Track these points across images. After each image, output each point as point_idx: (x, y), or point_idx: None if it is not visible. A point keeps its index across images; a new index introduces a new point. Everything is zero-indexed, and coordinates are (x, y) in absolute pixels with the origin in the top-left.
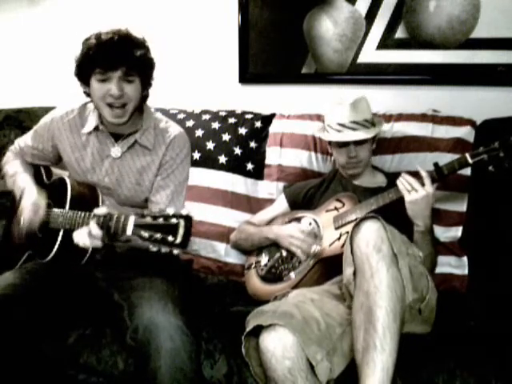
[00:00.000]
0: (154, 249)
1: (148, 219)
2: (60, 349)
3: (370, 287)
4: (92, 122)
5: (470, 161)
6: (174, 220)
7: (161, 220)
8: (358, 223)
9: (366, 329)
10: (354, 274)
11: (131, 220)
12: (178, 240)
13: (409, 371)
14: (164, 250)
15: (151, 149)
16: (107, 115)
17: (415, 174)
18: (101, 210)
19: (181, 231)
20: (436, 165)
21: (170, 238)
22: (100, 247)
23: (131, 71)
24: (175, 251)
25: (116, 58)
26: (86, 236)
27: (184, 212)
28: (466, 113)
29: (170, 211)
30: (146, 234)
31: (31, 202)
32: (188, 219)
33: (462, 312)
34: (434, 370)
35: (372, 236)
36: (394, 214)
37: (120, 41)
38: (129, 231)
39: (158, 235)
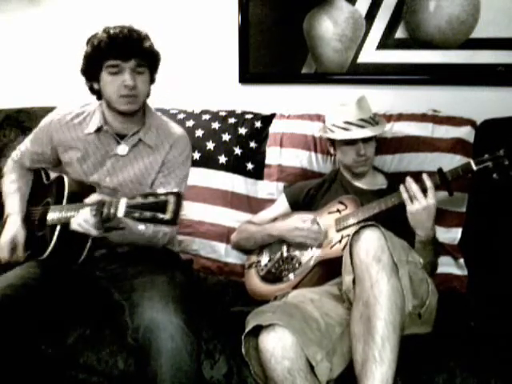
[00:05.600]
0: (145, 229)
1: (138, 199)
2: (60, 349)
3: (370, 298)
4: (95, 122)
5: (475, 168)
6: (163, 197)
7: (151, 198)
8: (358, 231)
9: (365, 340)
10: (354, 281)
11: (122, 202)
12: (168, 216)
13: (409, 371)
14: (155, 228)
15: (154, 148)
16: (120, 104)
17: (417, 176)
18: (91, 199)
19: (170, 207)
20: (440, 170)
21: (160, 215)
22: (95, 235)
23: (142, 62)
24: (166, 229)
25: (129, 48)
26: (82, 221)
27: (174, 190)
28: (465, 113)
29: (161, 190)
30: (136, 214)
31: (9, 237)
32: (177, 195)
33: (462, 312)
34: (434, 370)
35: (372, 245)
36: (396, 219)
37: (130, 33)
38: (120, 213)
39: (148, 213)
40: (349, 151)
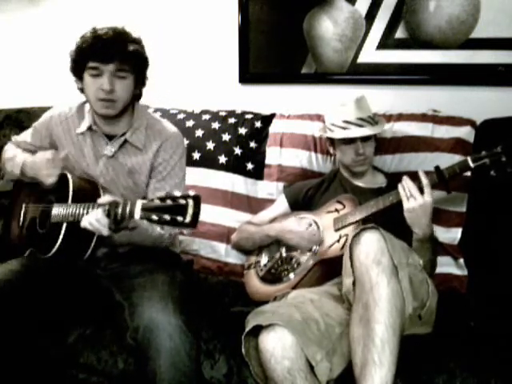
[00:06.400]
0: (162, 231)
1: (156, 202)
2: (60, 348)
3: (370, 300)
4: (86, 122)
5: (472, 165)
6: (182, 201)
7: (169, 202)
8: (358, 234)
9: (364, 343)
10: (354, 284)
11: (139, 204)
12: (188, 219)
13: (409, 371)
14: (173, 231)
15: (142, 149)
16: (98, 108)
17: (416, 176)
18: (104, 199)
19: (190, 211)
20: (437, 168)
21: (180, 218)
22: (106, 235)
23: (124, 66)
24: (185, 231)
25: (109, 51)
26: (94, 220)
27: (191, 193)
28: (465, 113)
29: (178, 193)
30: (154, 217)
31: (39, 158)
32: (196, 199)
33: (462, 312)
34: (434, 370)
35: (372, 248)
36: (395, 218)
37: (115, 35)
38: (137, 215)
39: (167, 216)
40: (348, 150)
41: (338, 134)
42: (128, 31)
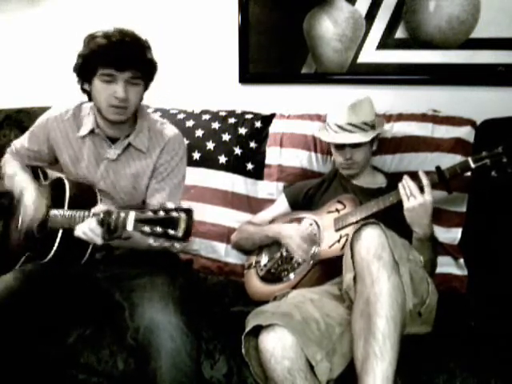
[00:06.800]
0: (155, 244)
1: (149, 214)
2: (60, 349)
3: (371, 295)
4: (88, 125)
5: (473, 165)
6: (174, 214)
7: (162, 214)
8: (359, 229)
9: (365, 337)
10: (354, 279)
11: (131, 215)
12: (180, 233)
13: (409, 371)
14: (166, 244)
15: (145, 152)
16: (108, 113)
17: (416, 176)
18: (99, 208)
19: (182, 225)
20: (438, 168)
21: (172, 232)
22: (99, 244)
23: (138, 74)
24: (177, 245)
25: (126, 59)
26: (87, 230)
27: (185, 206)
28: (465, 113)
29: (171, 205)
30: (147, 229)
31: (32, 200)
32: (189, 212)
33: (462, 312)
34: (434, 370)
35: (373, 243)
36: (395, 217)
37: (131, 42)
38: (129, 227)
39: (159, 229)
40: (337, 153)
41: (328, 138)
42: (139, 36)
